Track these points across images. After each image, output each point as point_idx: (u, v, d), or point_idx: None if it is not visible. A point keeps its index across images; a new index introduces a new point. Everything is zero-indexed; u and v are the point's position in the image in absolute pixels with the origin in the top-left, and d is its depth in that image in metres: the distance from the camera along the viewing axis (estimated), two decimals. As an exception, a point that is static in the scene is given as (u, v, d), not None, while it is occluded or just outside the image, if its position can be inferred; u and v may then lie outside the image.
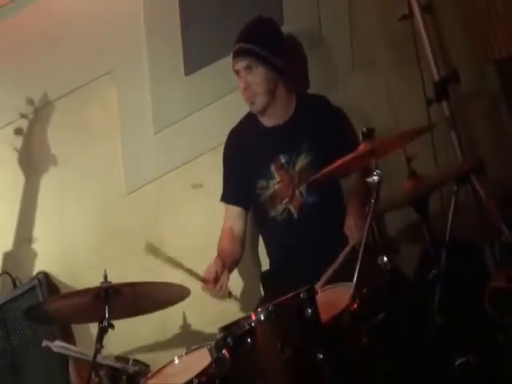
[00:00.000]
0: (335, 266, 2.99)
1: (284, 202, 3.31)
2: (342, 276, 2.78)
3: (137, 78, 3.69)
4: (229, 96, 3.56)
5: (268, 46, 3.26)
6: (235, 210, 3.41)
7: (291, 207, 3.31)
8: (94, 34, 3.69)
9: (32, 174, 3.71)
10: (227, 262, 3.16)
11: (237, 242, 3.38)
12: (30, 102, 3.71)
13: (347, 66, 3.62)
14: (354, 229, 3.04)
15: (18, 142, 3.73)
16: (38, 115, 3.72)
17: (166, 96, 3.68)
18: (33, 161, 3.73)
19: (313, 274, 2.99)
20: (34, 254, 3.70)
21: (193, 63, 3.65)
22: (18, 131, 3.73)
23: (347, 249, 3.00)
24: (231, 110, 3.54)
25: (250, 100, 3.28)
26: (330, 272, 2.98)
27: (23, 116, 3.72)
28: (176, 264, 3.01)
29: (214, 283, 3.06)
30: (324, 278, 2.95)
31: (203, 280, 3.06)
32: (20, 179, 3.72)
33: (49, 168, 3.72)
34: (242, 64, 3.25)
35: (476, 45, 3.58)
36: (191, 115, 3.67)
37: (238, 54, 3.26)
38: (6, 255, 3.70)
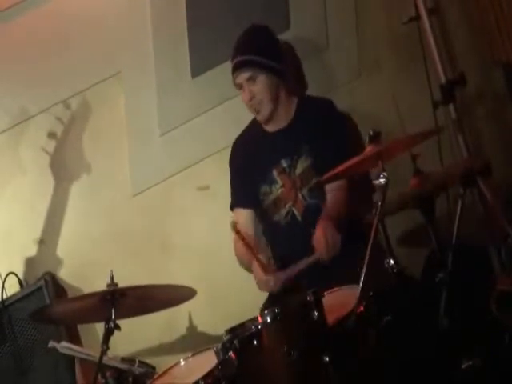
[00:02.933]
0: (293, 271, 3.03)
1: (288, 205, 3.32)
2: (346, 278, 2.78)
3: (143, 79, 3.69)
4: (235, 98, 3.55)
5: (265, 52, 3.28)
6: (246, 213, 3.40)
7: (295, 210, 3.31)
8: (100, 36, 3.69)
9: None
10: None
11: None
12: (38, 103, 3.72)
13: (354, 69, 3.62)
14: (322, 241, 3.03)
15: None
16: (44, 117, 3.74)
17: (172, 98, 3.68)
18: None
19: (318, 276, 3.00)
20: (41, 255, 3.71)
21: (199, 65, 3.65)
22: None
23: (310, 259, 3.02)
24: (238, 112, 3.54)
25: (256, 109, 3.30)
26: (284, 275, 3.01)
27: (30, 117, 3.73)
28: None
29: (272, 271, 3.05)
30: (281, 277, 2.98)
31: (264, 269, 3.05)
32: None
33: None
34: (244, 76, 3.26)
35: (482, 47, 3.58)
36: (197, 117, 3.68)
37: (237, 68, 3.27)
38: (13, 256, 3.71)
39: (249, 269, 3.23)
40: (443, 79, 3.35)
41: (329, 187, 3.24)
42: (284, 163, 3.33)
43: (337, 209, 3.20)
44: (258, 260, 3.05)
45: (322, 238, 3.03)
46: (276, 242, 3.41)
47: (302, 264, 3.06)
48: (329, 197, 3.26)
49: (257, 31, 3.35)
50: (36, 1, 3.66)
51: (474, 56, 3.59)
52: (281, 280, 3.07)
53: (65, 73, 3.69)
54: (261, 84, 3.26)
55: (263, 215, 3.39)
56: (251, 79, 3.26)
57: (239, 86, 3.30)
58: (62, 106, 3.69)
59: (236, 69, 3.28)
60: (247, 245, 3.02)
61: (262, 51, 3.27)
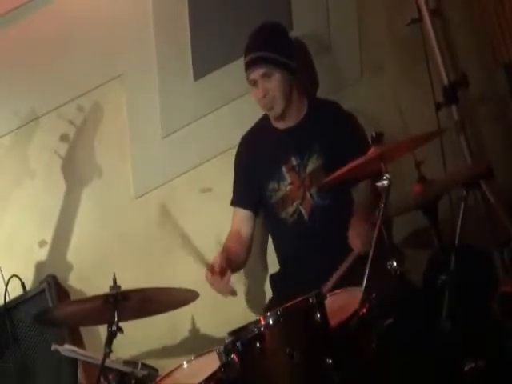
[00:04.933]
0: (340, 272, 3.00)
1: (295, 203, 3.32)
2: (350, 281, 2.78)
3: (146, 82, 3.69)
4: (237, 100, 3.56)
5: (280, 49, 3.27)
6: (244, 213, 3.40)
7: (302, 209, 3.31)
8: (102, 38, 3.69)
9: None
10: (231, 260, 3.15)
11: (243, 246, 3.38)
12: (44, 104, 3.72)
13: (356, 71, 3.62)
14: (356, 239, 3.02)
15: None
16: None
17: (174, 100, 3.68)
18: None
19: (323, 277, 3.00)
20: (44, 258, 3.71)
21: (202, 68, 3.65)
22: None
23: (351, 257, 3.00)
24: (240, 115, 3.55)
25: (269, 106, 3.29)
26: (334, 279, 2.98)
27: (36, 118, 3.74)
28: (186, 241, 3.00)
29: (220, 275, 3.04)
30: (329, 284, 2.95)
31: (210, 269, 3.05)
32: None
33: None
34: (258, 72, 3.24)
35: (485, 48, 3.58)
36: (200, 119, 3.68)
37: (252, 64, 3.25)
38: (16, 258, 3.71)
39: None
40: (445, 80, 3.35)
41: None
42: (294, 161, 3.32)
43: (365, 202, 3.18)
44: (200, 258, 3.06)
45: (356, 237, 3.02)
46: (281, 239, 3.41)
47: (344, 267, 3.02)
48: (356, 194, 3.25)
49: (271, 28, 3.34)
50: (40, 3, 3.67)
51: (476, 57, 3.58)
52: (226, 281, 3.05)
53: (67, 74, 3.70)
54: (276, 81, 3.25)
55: (270, 213, 3.38)
56: (266, 76, 3.24)
57: (253, 83, 3.28)
58: (68, 108, 3.70)
59: (251, 65, 3.26)
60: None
61: (277, 48, 3.26)
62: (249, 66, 3.27)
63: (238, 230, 3.39)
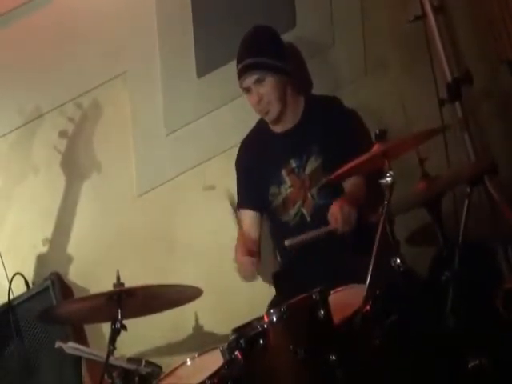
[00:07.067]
0: (305, 237, 3.03)
1: (297, 205, 3.31)
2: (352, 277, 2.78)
3: (149, 79, 3.70)
4: (241, 98, 3.55)
5: (270, 52, 3.27)
6: (251, 215, 3.39)
7: (304, 210, 3.30)
8: (105, 36, 3.70)
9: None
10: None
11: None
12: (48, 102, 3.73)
13: (359, 68, 3.62)
14: (337, 214, 3.00)
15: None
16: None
17: (178, 98, 3.69)
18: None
19: (324, 276, 2.99)
20: (47, 255, 3.71)
21: (205, 65, 3.66)
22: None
23: (323, 229, 3.01)
24: (243, 112, 3.54)
25: (265, 110, 3.29)
26: (299, 239, 3.01)
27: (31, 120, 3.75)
28: None
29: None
30: (296, 240, 2.99)
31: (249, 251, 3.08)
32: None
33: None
34: (251, 79, 3.24)
35: (488, 45, 3.57)
36: (203, 117, 3.68)
37: (244, 72, 3.26)
38: (19, 256, 3.72)
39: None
40: (449, 77, 3.34)
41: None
42: (293, 163, 3.32)
43: (355, 194, 3.16)
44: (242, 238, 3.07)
45: (338, 211, 3.00)
46: (283, 242, 3.39)
47: (315, 233, 3.03)
48: (347, 185, 3.22)
49: (259, 32, 3.34)
50: (43, 1, 3.67)
51: (479, 53, 3.58)
52: (257, 265, 3.08)
53: (71, 72, 3.70)
54: (268, 85, 3.25)
55: (272, 216, 3.38)
56: (258, 81, 3.24)
57: (246, 90, 3.29)
58: (72, 106, 3.70)
59: (242, 73, 3.27)
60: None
61: (266, 52, 3.26)
62: (241, 74, 3.27)
63: (249, 234, 3.36)
